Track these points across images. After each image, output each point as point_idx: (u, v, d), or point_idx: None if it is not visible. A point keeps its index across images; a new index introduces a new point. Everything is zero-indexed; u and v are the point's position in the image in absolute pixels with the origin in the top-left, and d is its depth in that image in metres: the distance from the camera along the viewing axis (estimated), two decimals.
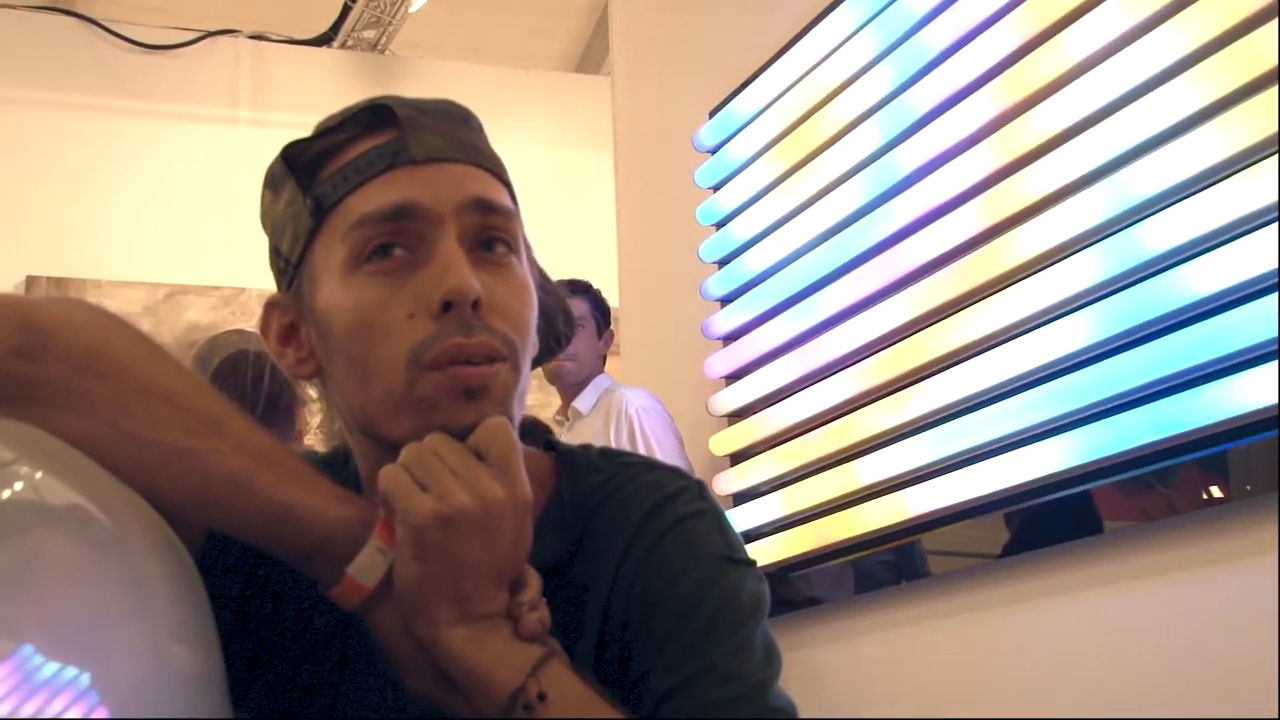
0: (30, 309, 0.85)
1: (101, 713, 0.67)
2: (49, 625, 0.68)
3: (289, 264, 0.96)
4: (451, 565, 0.83)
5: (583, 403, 2.99)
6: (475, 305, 0.90)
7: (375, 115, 0.95)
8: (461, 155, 0.94)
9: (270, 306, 0.99)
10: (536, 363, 1.08)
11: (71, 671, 0.67)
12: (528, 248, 1.00)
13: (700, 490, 1.00)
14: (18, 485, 0.74)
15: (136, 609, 0.74)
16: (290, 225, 0.95)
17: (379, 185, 0.92)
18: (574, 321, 1.11)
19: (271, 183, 0.98)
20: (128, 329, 0.88)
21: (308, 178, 0.94)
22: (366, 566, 0.84)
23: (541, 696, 0.83)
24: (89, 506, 0.76)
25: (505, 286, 0.93)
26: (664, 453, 2.59)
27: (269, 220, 0.98)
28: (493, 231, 0.93)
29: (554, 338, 1.08)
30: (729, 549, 0.97)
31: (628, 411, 2.76)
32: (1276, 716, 1.40)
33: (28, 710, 0.64)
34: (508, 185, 0.97)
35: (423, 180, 0.92)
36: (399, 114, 0.94)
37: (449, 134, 0.95)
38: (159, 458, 0.84)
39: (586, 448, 1.05)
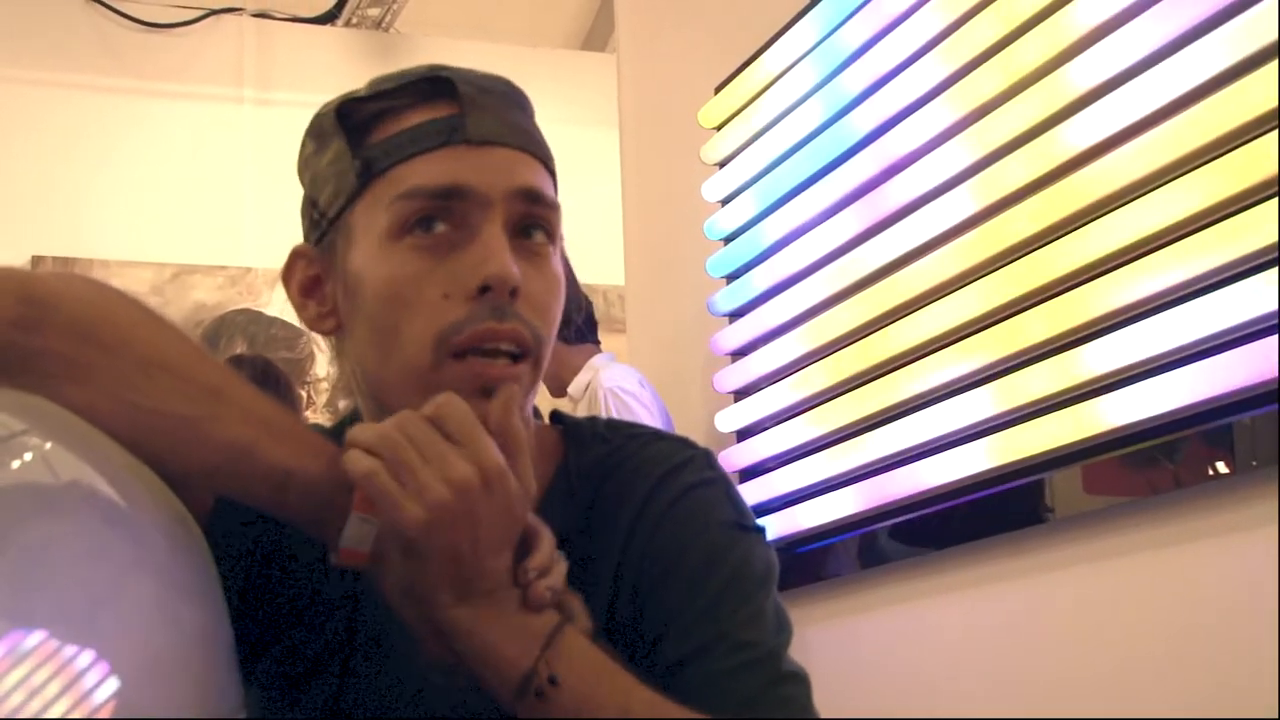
0: (31, 280, 0.86)
1: (110, 684, 0.68)
2: (57, 594, 0.69)
3: (324, 218, 0.96)
4: (441, 556, 0.82)
5: (574, 386, 2.98)
6: (512, 293, 0.90)
7: (435, 87, 0.94)
8: (516, 141, 0.94)
9: (296, 255, 0.99)
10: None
11: (77, 642, 0.68)
12: (560, 240, 1.00)
13: (708, 459, 1.01)
14: (28, 456, 0.74)
15: (143, 579, 0.75)
16: (333, 181, 0.95)
17: (433, 160, 0.92)
18: (594, 321, 1.12)
19: (318, 134, 0.97)
20: (129, 301, 0.89)
21: (358, 138, 0.94)
22: (355, 536, 0.84)
23: (553, 680, 0.82)
24: (97, 477, 0.77)
25: (541, 278, 0.93)
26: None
27: (309, 171, 0.98)
28: (535, 220, 0.94)
29: (566, 325, 1.08)
30: (739, 516, 0.97)
31: (600, 392, 2.74)
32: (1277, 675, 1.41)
33: (39, 678, 0.65)
34: (553, 174, 0.98)
35: (477, 162, 0.92)
36: (460, 90, 0.93)
37: (506, 117, 0.95)
38: (161, 427, 0.84)
39: (594, 419, 1.05)
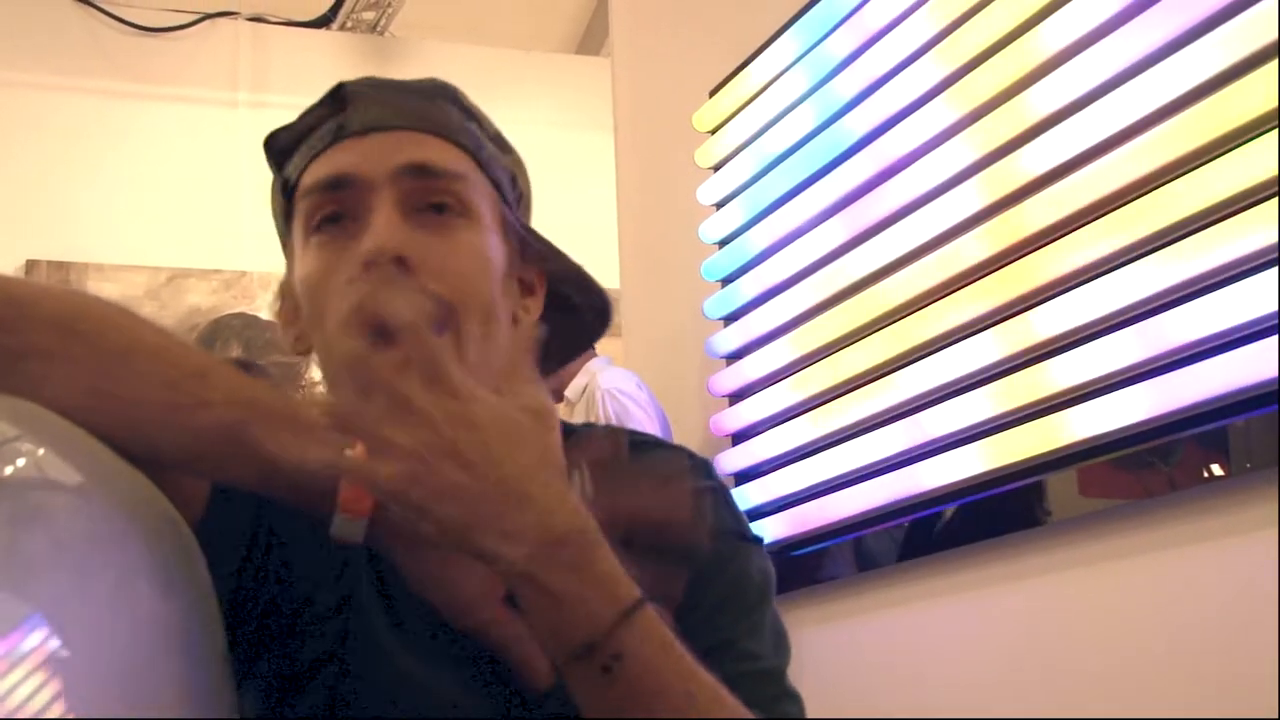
0: (4, 283, 0.85)
1: (102, 687, 0.68)
2: (50, 599, 0.69)
3: (283, 245, 1.00)
4: (459, 502, 0.76)
5: (572, 389, 2.99)
6: (405, 264, 0.90)
7: (334, 96, 0.98)
8: (403, 122, 0.96)
9: (280, 289, 1.02)
10: (577, 349, 1.07)
11: (69, 646, 0.68)
12: (516, 217, 1.00)
13: (707, 468, 1.01)
14: (20, 462, 0.74)
15: (136, 584, 0.75)
16: (275, 206, 1.00)
17: (324, 159, 0.95)
18: (602, 302, 1.09)
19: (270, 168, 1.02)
20: (104, 299, 0.88)
21: (282, 161, 0.99)
22: (346, 532, 0.82)
23: (617, 657, 0.77)
24: (90, 483, 0.77)
25: (445, 245, 0.92)
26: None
27: (271, 206, 1.02)
28: (436, 195, 0.94)
29: (581, 326, 1.07)
30: (737, 525, 0.98)
31: (597, 394, 2.74)
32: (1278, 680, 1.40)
33: (32, 683, 0.65)
34: (467, 149, 0.96)
35: (359, 150, 0.94)
36: (350, 91, 0.96)
37: (395, 104, 0.97)
38: (148, 417, 0.82)
39: (594, 427, 1.05)
